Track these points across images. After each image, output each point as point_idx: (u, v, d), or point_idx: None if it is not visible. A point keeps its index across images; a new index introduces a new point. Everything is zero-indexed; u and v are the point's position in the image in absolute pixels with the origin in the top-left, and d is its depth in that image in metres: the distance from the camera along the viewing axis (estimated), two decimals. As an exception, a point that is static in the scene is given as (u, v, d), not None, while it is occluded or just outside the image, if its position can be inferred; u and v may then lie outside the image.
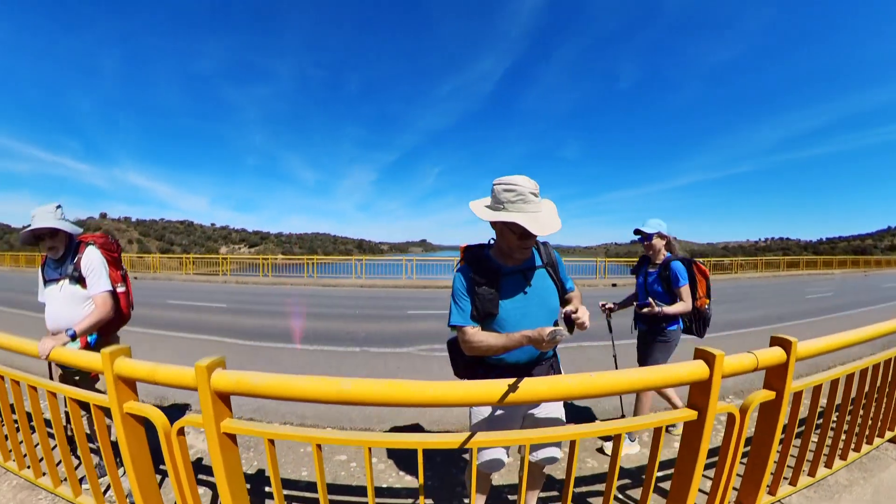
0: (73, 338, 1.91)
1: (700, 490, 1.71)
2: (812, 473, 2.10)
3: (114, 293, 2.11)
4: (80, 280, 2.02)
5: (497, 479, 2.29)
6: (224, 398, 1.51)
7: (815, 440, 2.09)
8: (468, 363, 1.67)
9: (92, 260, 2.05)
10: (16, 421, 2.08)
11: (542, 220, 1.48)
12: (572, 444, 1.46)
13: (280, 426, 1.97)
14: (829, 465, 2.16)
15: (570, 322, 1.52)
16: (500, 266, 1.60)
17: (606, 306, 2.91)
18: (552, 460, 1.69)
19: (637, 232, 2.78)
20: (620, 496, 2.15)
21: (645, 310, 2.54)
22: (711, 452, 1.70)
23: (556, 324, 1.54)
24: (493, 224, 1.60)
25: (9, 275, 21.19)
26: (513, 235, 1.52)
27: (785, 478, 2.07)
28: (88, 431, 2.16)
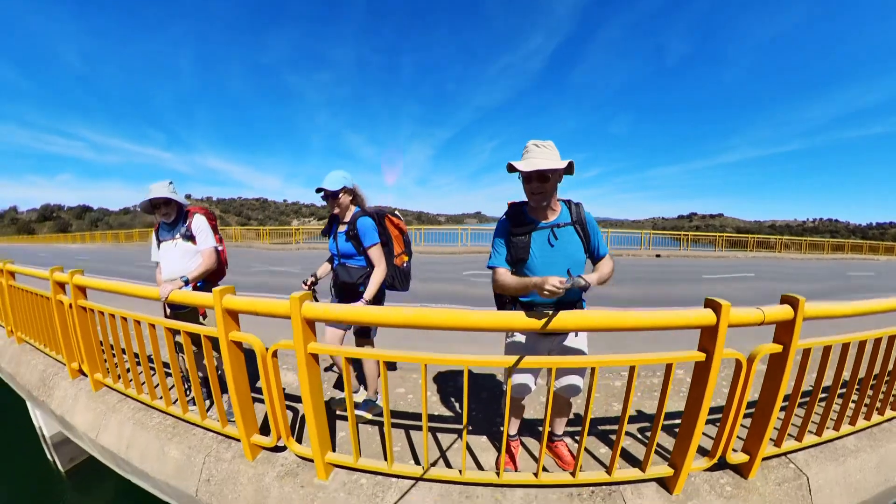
0: (186, 283, 2.42)
1: (707, 435, 1.98)
2: (819, 433, 2.31)
3: (217, 249, 2.62)
4: (190, 238, 2.55)
5: (530, 413, 2.69)
6: (311, 324, 1.94)
7: (824, 404, 2.29)
8: (505, 303, 2.03)
9: (200, 223, 2.58)
10: (136, 355, 2.62)
11: (534, 161, 1.75)
12: (592, 371, 1.80)
13: (354, 348, 2.40)
14: (836, 427, 2.35)
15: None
16: (533, 220, 1.92)
17: (308, 282, 2.60)
18: (574, 389, 2.04)
19: (319, 190, 2.48)
20: (638, 435, 2.45)
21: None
22: (715, 410, 1.97)
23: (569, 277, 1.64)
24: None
25: (112, 250, 26.87)
26: (524, 183, 1.83)
27: (791, 435, 2.30)
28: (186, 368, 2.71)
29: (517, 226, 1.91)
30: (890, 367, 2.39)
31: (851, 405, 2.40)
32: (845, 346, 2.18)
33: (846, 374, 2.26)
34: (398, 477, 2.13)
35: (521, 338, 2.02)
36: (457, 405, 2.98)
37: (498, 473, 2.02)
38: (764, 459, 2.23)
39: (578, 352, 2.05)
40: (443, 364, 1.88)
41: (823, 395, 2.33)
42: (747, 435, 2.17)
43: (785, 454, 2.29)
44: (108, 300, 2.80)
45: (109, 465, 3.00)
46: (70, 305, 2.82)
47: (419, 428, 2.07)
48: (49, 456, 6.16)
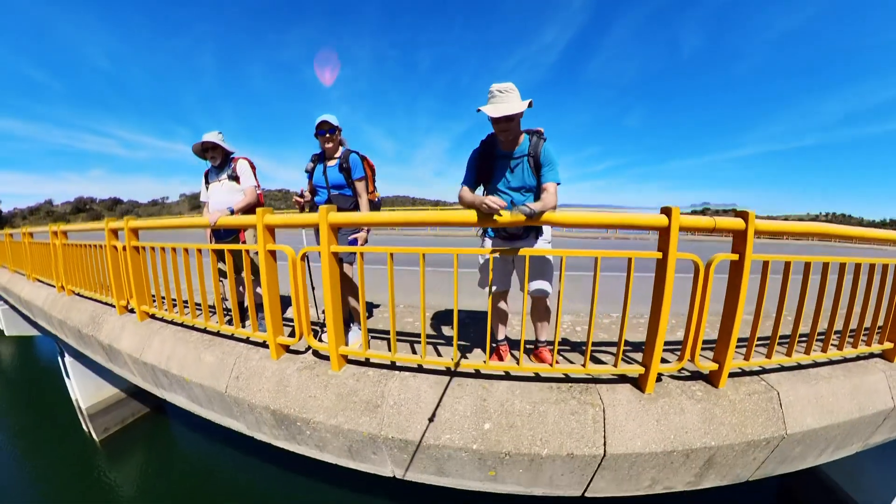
0: (232, 213, 2.97)
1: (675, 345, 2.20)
2: (789, 354, 2.48)
3: (257, 188, 3.19)
4: (235, 178, 3.14)
5: (514, 332, 2.97)
6: (334, 230, 2.40)
7: (791, 328, 2.49)
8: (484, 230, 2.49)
9: (244, 166, 3.19)
10: (181, 283, 3.13)
11: (500, 107, 2.06)
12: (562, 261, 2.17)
13: (367, 247, 2.85)
14: (807, 351, 2.52)
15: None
16: (498, 151, 2.29)
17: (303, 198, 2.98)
18: (542, 291, 2.42)
19: (322, 123, 2.79)
20: (613, 350, 2.71)
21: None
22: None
23: (512, 205, 2.06)
24: None
25: (145, 233, 29.84)
26: (493, 125, 2.16)
27: (760, 352, 2.49)
28: (225, 292, 3.21)
29: (484, 153, 2.31)
30: (859, 303, 2.57)
31: (819, 331, 2.56)
32: (807, 266, 2.40)
33: (808, 310, 2.46)
34: (400, 369, 2.48)
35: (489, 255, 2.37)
36: (450, 332, 3.20)
37: (485, 361, 2.34)
38: (737, 376, 2.44)
39: (545, 261, 2.41)
40: (436, 252, 2.26)
41: (802, 332, 2.52)
42: (716, 345, 2.39)
43: (758, 374, 2.48)
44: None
45: (148, 385, 3.43)
46: (124, 248, 3.36)
47: (419, 341, 2.42)
48: (84, 426, 6.71)
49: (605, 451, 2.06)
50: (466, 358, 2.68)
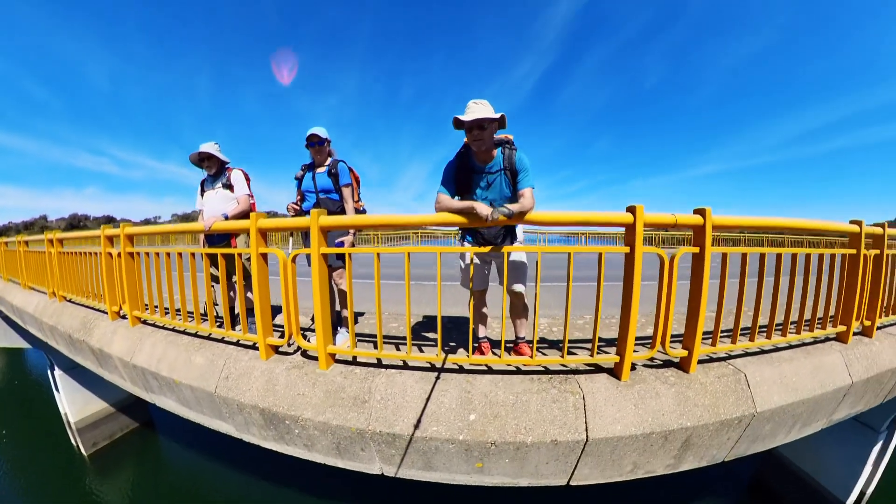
0: (226, 219, 2.88)
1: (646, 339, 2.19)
2: (752, 339, 2.50)
3: (249, 196, 3.11)
4: (229, 187, 3.07)
5: (495, 332, 2.92)
6: (323, 232, 2.35)
7: (751, 315, 2.51)
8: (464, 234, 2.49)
9: (239, 176, 3.13)
10: (173, 289, 3.01)
11: (470, 114, 2.09)
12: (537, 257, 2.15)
13: (355, 248, 2.77)
14: (768, 336, 2.54)
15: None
16: (473, 164, 2.28)
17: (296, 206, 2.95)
18: (518, 290, 2.42)
19: (312, 136, 2.80)
20: (588, 346, 2.65)
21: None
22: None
23: (494, 209, 2.04)
24: None
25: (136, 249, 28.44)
26: (466, 133, 2.18)
27: (725, 341, 2.50)
28: (217, 297, 3.08)
29: (461, 169, 2.27)
30: (812, 290, 2.63)
31: (779, 318, 2.60)
32: (762, 256, 2.45)
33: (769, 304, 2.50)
34: (387, 367, 2.39)
35: (470, 256, 2.34)
36: (434, 335, 3.17)
37: (468, 355, 2.27)
38: (705, 362, 2.43)
39: (520, 263, 2.41)
40: (419, 252, 2.22)
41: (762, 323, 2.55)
42: (684, 334, 2.38)
43: (725, 360, 2.48)
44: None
45: (138, 390, 3.22)
46: (119, 255, 3.22)
47: (404, 343, 2.36)
48: (73, 441, 6.25)
49: (587, 436, 2.00)
50: (451, 353, 2.62)
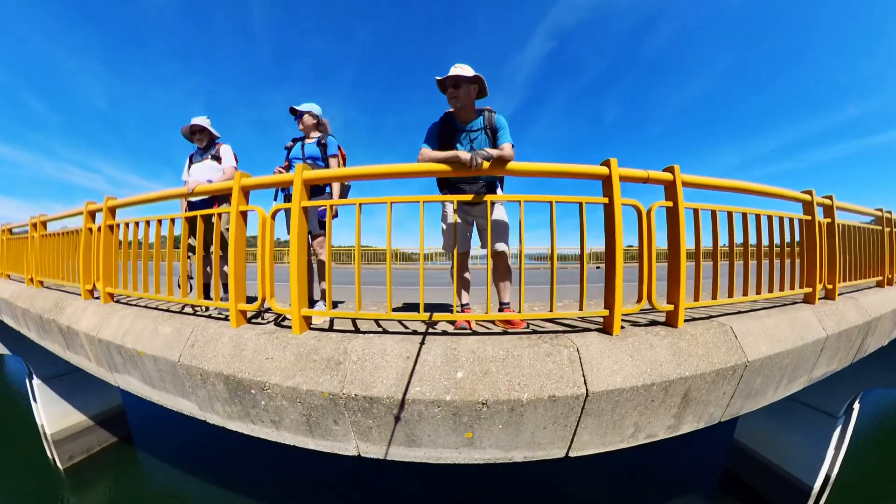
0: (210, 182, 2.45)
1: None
2: (731, 295, 2.17)
3: (236, 168, 2.71)
4: (217, 158, 2.68)
5: (479, 302, 2.45)
6: (307, 187, 1.96)
7: (728, 274, 2.21)
8: (442, 187, 2.14)
9: (227, 149, 2.74)
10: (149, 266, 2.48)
11: (448, 73, 1.91)
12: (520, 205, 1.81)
13: (339, 200, 2.31)
14: (745, 293, 2.21)
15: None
16: (456, 124, 2.05)
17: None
18: (501, 248, 2.05)
19: (292, 110, 2.57)
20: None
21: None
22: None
23: (473, 153, 1.78)
24: None
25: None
26: (445, 93, 1.97)
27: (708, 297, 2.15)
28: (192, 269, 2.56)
29: (445, 128, 2.04)
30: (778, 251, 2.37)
31: (753, 276, 2.30)
32: (730, 214, 2.19)
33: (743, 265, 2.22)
34: (366, 333, 1.91)
35: (452, 217, 2.01)
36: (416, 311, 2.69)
37: (454, 316, 1.83)
38: (690, 321, 2.06)
39: (502, 223, 2.06)
40: (403, 201, 1.83)
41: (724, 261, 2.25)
42: (668, 290, 2.03)
43: (708, 319, 2.12)
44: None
45: (102, 371, 2.54)
46: (99, 229, 2.69)
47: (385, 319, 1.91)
48: (49, 453, 5.10)
49: (586, 389, 1.55)
50: (434, 322, 2.16)
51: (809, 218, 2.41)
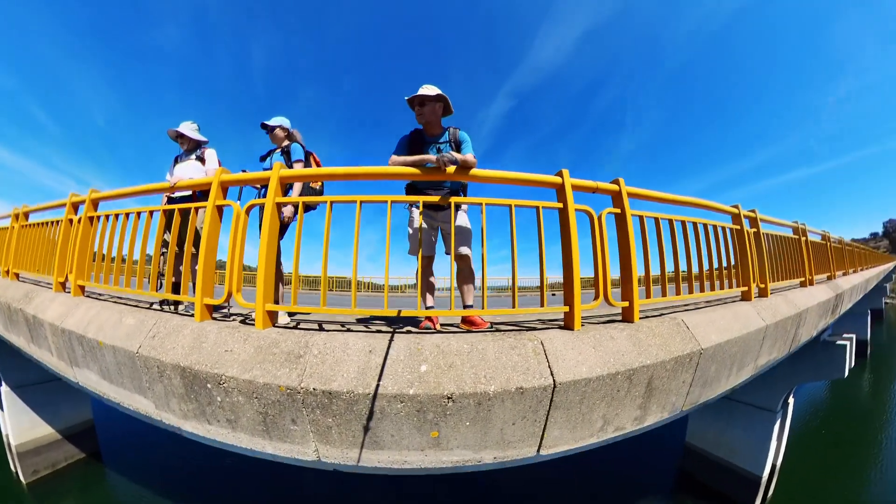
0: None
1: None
2: (678, 293, 2.06)
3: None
4: (202, 160, 2.44)
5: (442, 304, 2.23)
6: (283, 186, 1.77)
7: (674, 276, 2.11)
8: (410, 189, 1.97)
9: (212, 153, 2.50)
10: (122, 259, 2.15)
11: (416, 93, 1.83)
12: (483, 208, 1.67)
13: (313, 198, 2.04)
14: (690, 291, 2.11)
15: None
16: (424, 137, 1.93)
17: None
18: (464, 252, 1.87)
19: (263, 126, 2.43)
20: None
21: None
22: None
23: (439, 154, 1.67)
24: None
25: None
26: (414, 109, 1.89)
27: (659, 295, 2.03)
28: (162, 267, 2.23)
29: (414, 141, 1.93)
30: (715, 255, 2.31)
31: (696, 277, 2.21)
32: (670, 222, 2.12)
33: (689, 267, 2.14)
34: (329, 331, 1.65)
35: (419, 222, 1.84)
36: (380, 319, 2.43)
37: (420, 312, 1.61)
38: (644, 318, 1.91)
39: (465, 228, 1.91)
40: (371, 200, 1.64)
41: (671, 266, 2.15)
42: (622, 288, 1.89)
43: (660, 316, 1.98)
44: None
45: (63, 365, 2.09)
46: (80, 220, 2.34)
47: (352, 327, 1.69)
48: (12, 466, 4.21)
49: (553, 380, 1.34)
50: (400, 321, 1.92)
51: (738, 227, 2.40)
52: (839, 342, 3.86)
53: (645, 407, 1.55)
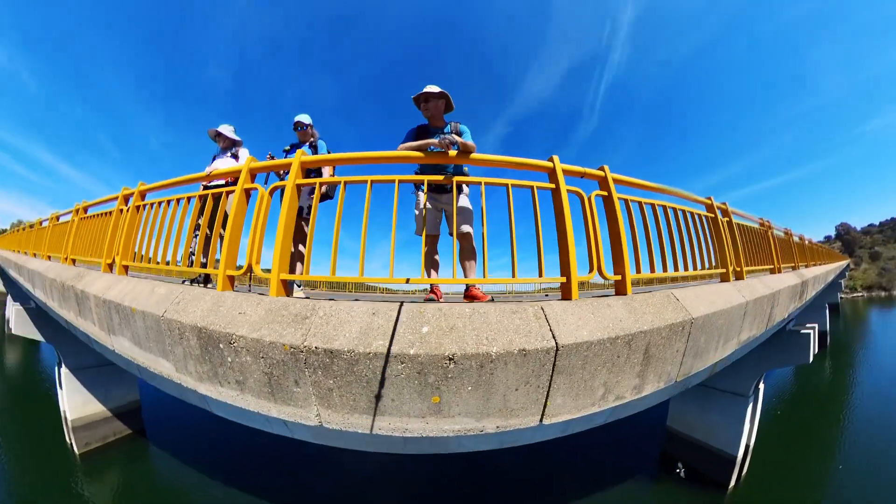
0: None
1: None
2: (664, 269, 1.80)
3: None
4: (235, 157, 2.35)
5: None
6: (303, 170, 1.62)
7: (658, 250, 1.86)
8: (418, 171, 1.80)
9: (245, 151, 2.41)
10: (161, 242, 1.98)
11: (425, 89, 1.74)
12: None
13: (328, 178, 1.84)
14: (675, 268, 1.85)
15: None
16: (429, 129, 1.80)
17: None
18: (465, 230, 1.68)
19: (297, 124, 2.28)
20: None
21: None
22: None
23: (441, 136, 1.55)
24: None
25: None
26: (420, 106, 1.79)
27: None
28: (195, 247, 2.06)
29: (421, 132, 1.81)
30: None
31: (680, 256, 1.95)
32: (654, 207, 1.90)
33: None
34: (338, 301, 1.42)
35: (424, 203, 1.66)
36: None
37: (425, 279, 1.39)
38: (636, 293, 1.66)
39: (466, 209, 1.73)
40: (381, 181, 1.47)
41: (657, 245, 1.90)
42: (613, 263, 1.65)
43: (649, 291, 1.72)
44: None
45: (102, 335, 1.88)
46: (127, 210, 2.21)
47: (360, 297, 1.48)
48: (67, 438, 3.89)
49: (556, 342, 1.09)
50: (406, 294, 1.68)
51: (713, 216, 2.17)
52: (803, 331, 3.55)
53: (643, 375, 1.27)
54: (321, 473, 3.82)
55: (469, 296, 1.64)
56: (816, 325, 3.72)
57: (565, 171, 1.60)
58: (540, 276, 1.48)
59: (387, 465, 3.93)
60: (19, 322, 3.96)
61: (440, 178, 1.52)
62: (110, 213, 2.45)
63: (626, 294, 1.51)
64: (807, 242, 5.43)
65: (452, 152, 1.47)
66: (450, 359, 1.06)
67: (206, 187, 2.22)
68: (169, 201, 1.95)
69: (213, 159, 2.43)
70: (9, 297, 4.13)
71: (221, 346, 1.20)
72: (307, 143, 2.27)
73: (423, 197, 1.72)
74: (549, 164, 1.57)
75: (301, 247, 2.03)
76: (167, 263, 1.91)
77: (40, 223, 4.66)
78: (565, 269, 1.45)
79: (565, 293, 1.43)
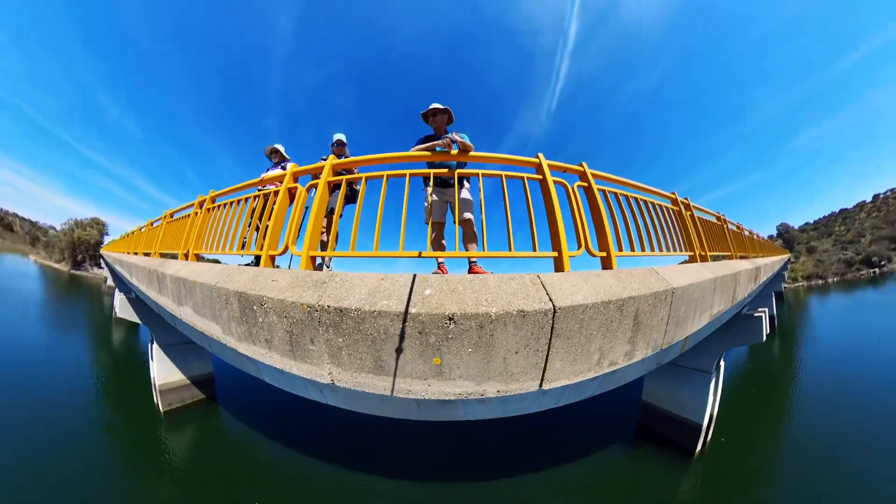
0: None
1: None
2: (643, 250, 1.57)
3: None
4: (283, 168, 2.30)
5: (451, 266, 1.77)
6: (335, 171, 1.53)
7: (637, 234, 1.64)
8: (428, 166, 1.66)
9: (293, 165, 2.33)
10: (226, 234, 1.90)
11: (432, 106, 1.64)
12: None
13: (353, 175, 1.64)
14: (652, 249, 1.62)
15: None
16: (435, 137, 1.67)
17: None
18: (467, 216, 1.54)
19: (338, 142, 2.17)
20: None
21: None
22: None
23: (445, 135, 1.50)
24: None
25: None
26: (428, 120, 1.68)
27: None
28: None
29: (428, 139, 1.65)
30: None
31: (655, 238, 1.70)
32: (628, 197, 1.69)
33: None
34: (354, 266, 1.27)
35: (430, 197, 1.51)
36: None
37: (435, 253, 1.23)
38: (622, 269, 1.44)
39: (468, 199, 1.59)
40: (394, 176, 1.35)
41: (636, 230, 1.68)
42: (598, 243, 1.43)
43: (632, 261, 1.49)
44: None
45: (173, 306, 1.78)
46: (201, 211, 2.18)
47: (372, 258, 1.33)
48: (155, 399, 3.82)
49: (553, 305, 0.90)
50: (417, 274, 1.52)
51: (678, 209, 1.94)
52: (756, 314, 3.21)
53: (633, 341, 1.05)
54: (372, 442, 3.45)
55: (473, 271, 1.47)
56: (766, 310, 3.41)
57: (550, 166, 1.44)
58: (534, 249, 1.30)
59: (414, 433, 3.50)
60: (122, 307, 4.02)
61: (444, 171, 1.39)
62: (188, 216, 2.45)
63: (612, 269, 1.30)
64: (755, 236, 5.02)
65: (454, 151, 1.35)
66: (450, 318, 0.88)
67: (260, 191, 2.17)
68: (231, 203, 1.91)
69: (266, 171, 2.41)
70: (116, 290, 4.22)
71: (255, 307, 1.06)
72: (342, 156, 2.23)
73: (430, 190, 1.59)
74: (536, 161, 1.43)
75: (326, 236, 1.92)
76: (227, 250, 1.83)
77: (139, 229, 4.80)
78: (556, 245, 1.27)
79: (558, 266, 1.24)
